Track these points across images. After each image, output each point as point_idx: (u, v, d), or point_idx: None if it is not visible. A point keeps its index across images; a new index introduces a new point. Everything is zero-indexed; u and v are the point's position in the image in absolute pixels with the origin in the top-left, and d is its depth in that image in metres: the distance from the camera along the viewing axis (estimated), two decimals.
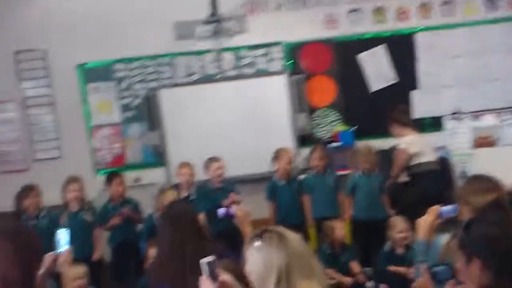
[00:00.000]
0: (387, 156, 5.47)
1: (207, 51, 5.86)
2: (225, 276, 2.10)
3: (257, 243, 1.95)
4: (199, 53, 5.92)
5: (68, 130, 5.95)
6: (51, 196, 4.90)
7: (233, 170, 5.31)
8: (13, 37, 5.82)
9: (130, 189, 5.42)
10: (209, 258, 2.07)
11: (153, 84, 5.91)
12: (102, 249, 5.00)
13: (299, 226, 4.83)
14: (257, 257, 1.93)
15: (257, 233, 1.99)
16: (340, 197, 5.16)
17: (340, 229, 4.73)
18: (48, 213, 4.88)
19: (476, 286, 1.86)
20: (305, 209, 5.12)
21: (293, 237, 1.97)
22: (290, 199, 5.10)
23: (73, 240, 4.55)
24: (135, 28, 5.79)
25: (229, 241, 3.21)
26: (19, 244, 2.76)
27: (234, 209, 3.04)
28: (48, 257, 3.04)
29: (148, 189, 5.44)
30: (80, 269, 4.25)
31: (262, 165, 5.31)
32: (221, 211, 3.10)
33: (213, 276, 2.05)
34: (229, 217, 3.05)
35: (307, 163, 5.32)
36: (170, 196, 4.73)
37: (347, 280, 4.57)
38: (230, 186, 5.07)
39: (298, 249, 1.93)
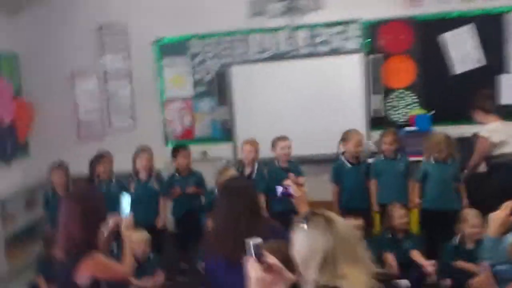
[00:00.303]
0: (466, 144, 5.12)
1: (281, 29, 5.78)
2: (272, 259, 2.07)
3: (304, 225, 1.94)
4: (273, 30, 5.84)
5: (143, 103, 6.16)
6: (124, 164, 5.05)
7: (300, 149, 5.20)
8: (96, 12, 6.09)
9: (197, 162, 5.51)
10: (256, 240, 2.05)
11: (226, 60, 5.92)
12: (166, 218, 5.09)
13: (363, 211, 4.70)
14: (302, 240, 1.94)
15: (305, 215, 1.98)
16: (409, 184, 4.87)
17: (402, 215, 4.51)
18: (119, 180, 5.06)
19: None
20: (371, 194, 4.90)
21: (340, 222, 1.94)
22: (356, 183, 4.90)
23: (139, 207, 4.79)
24: (211, 4, 5.84)
25: (287, 221, 3.15)
26: (88, 208, 2.96)
27: (292, 189, 2.98)
28: (112, 221, 3.20)
29: (214, 163, 5.50)
30: (143, 235, 4.45)
31: (330, 146, 5.15)
32: (279, 189, 3.04)
33: (259, 258, 2.03)
34: (286, 196, 2.99)
35: (377, 146, 5.06)
36: (231, 172, 4.76)
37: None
38: (295, 166, 4.96)
39: (345, 234, 1.90)
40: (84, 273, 2.87)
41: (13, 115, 5.91)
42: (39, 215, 5.48)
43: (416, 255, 4.46)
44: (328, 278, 1.84)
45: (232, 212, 2.91)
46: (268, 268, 2.05)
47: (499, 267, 2.29)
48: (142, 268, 4.38)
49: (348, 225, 1.96)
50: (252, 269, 2.01)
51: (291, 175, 4.25)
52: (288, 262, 1.99)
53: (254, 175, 4.93)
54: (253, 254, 2.03)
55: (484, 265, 2.24)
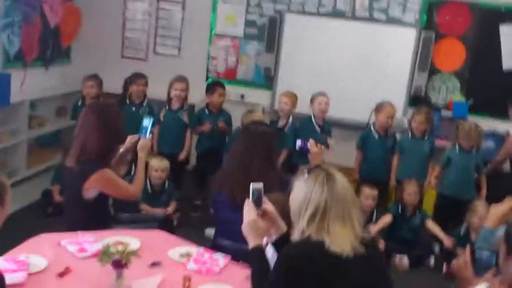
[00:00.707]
0: (497, 139, 5.21)
1: None
2: (269, 206, 2.20)
3: (305, 175, 2.00)
4: None
5: (191, 33, 6.16)
6: (161, 91, 5.11)
7: (335, 111, 5.27)
8: None
9: (233, 104, 5.61)
10: (258, 184, 2.18)
11: (281, 7, 5.87)
12: (189, 152, 5.17)
13: (381, 183, 4.81)
14: (299, 188, 2.00)
15: (310, 167, 2.05)
16: (430, 166, 4.97)
17: (414, 192, 4.60)
18: (150, 104, 5.09)
19: (510, 281, 1.83)
20: (392, 168, 4.98)
21: (341, 180, 1.99)
22: (380, 154, 4.97)
23: (165, 136, 4.91)
24: None
25: None
26: (103, 120, 3.02)
27: (310, 144, 3.12)
28: (130, 139, 3.30)
29: (249, 107, 5.56)
30: (163, 162, 4.55)
31: (364, 114, 5.24)
32: (298, 142, 3.19)
33: (257, 203, 2.15)
34: (303, 150, 3.13)
35: (408, 122, 5.11)
36: (258, 115, 4.80)
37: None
38: (328, 126, 5.04)
39: (342, 193, 1.96)
40: (90, 186, 2.95)
41: (60, 19, 5.87)
42: (68, 124, 5.49)
43: (432, 225, 4.60)
44: (314, 231, 1.92)
45: (246, 155, 2.99)
46: (263, 213, 2.20)
47: (481, 253, 2.39)
48: (156, 195, 4.53)
49: (348, 186, 2.02)
50: (247, 212, 2.17)
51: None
52: (288, 216, 2.09)
53: (286, 129, 5.00)
54: (252, 197, 2.17)
55: (467, 248, 2.36)
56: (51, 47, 5.82)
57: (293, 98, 5.07)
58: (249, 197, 2.19)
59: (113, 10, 6.25)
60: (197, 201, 5.08)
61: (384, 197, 4.82)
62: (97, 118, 3.02)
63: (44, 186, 4.90)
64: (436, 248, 4.65)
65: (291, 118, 5.03)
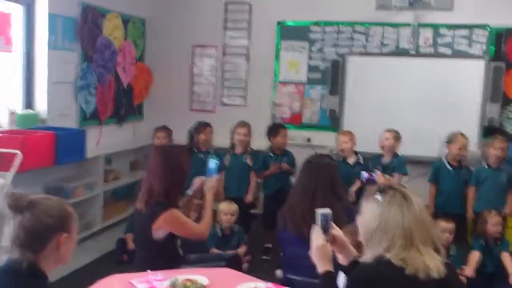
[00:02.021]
0: None
1: (405, 24, 5.70)
2: (337, 231, 2.13)
3: (378, 197, 1.91)
4: (396, 25, 5.77)
5: (256, 82, 6.31)
6: (228, 141, 5.17)
7: (406, 149, 5.13)
8: None
9: (300, 148, 5.60)
10: (325, 210, 2.12)
11: (344, 50, 5.92)
12: (255, 194, 5.17)
13: (458, 216, 4.59)
14: (374, 211, 1.90)
15: (382, 188, 1.96)
16: (509, 196, 4.70)
17: (497, 222, 4.35)
18: (216, 151, 5.17)
19: None
20: (468, 200, 4.76)
21: (418, 201, 1.91)
22: (454, 186, 4.79)
23: (231, 180, 4.94)
24: None
25: None
26: (169, 162, 3.11)
27: (376, 176, 3.03)
28: (197, 181, 3.36)
29: (317, 150, 5.53)
30: (232, 206, 4.58)
31: (437, 149, 5.08)
32: (364, 175, 3.12)
33: (325, 228, 2.09)
34: (370, 182, 3.05)
35: (482, 154, 4.90)
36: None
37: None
38: (399, 161, 4.85)
39: (420, 214, 1.87)
40: (159, 226, 3.00)
41: (132, 78, 6.23)
42: (142, 176, 5.62)
43: (506, 258, 4.32)
44: (397, 255, 1.81)
45: (309, 187, 2.96)
46: (332, 239, 2.12)
47: None
48: (226, 239, 4.54)
49: (425, 208, 1.93)
50: (316, 237, 2.10)
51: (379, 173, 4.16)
52: (359, 246, 2.01)
53: (360, 161, 4.88)
54: (320, 224, 2.10)
55: None
56: (124, 105, 6.13)
57: (350, 135, 4.99)
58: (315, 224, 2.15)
59: (182, 68, 6.53)
60: (267, 244, 5.02)
61: (460, 231, 4.57)
62: (162, 160, 3.11)
63: (119, 236, 5.04)
64: None
65: (359, 155, 4.95)
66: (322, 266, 2.06)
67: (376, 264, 1.84)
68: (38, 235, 1.78)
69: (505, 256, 4.34)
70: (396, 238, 1.83)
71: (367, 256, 1.91)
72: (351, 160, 4.93)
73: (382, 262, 1.82)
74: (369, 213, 1.92)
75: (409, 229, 1.83)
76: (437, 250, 1.88)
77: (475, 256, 4.33)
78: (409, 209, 1.85)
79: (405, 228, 1.83)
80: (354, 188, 4.59)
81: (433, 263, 1.80)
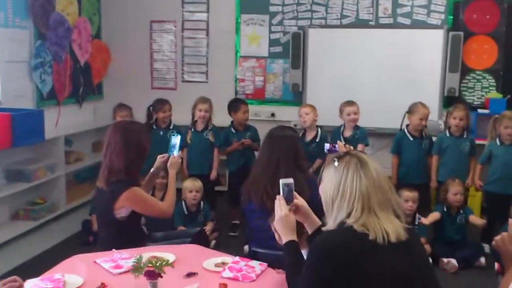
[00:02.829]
0: None
1: None
2: (300, 200, 2.12)
3: (335, 163, 1.90)
4: None
5: (217, 57, 6.23)
6: (190, 118, 5.08)
7: (368, 121, 5.18)
8: None
9: (264, 123, 5.55)
10: (287, 180, 2.10)
11: (304, 23, 5.88)
12: (218, 171, 5.12)
13: (421, 186, 4.66)
14: (331, 177, 1.89)
15: (339, 155, 1.95)
16: (472, 165, 4.77)
17: (458, 191, 4.43)
18: (177, 127, 5.11)
19: None
20: (432, 170, 4.81)
21: (375, 166, 1.89)
22: (416, 157, 4.82)
23: (194, 158, 4.89)
24: None
25: None
26: (129, 140, 3.02)
27: (338, 146, 3.05)
28: (159, 158, 3.30)
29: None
30: (197, 183, 4.54)
31: (398, 121, 5.11)
32: (326, 146, 3.13)
33: (288, 198, 2.08)
34: (332, 153, 3.05)
35: (444, 122, 4.95)
36: None
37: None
38: (361, 132, 4.88)
39: (377, 179, 1.85)
40: (121, 205, 2.95)
41: (89, 56, 6.05)
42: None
43: (474, 218, 4.46)
44: (354, 219, 1.80)
45: (272, 160, 2.93)
46: (296, 209, 2.12)
47: None
48: (192, 217, 4.52)
49: (383, 172, 1.90)
50: (279, 207, 2.09)
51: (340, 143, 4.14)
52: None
53: (317, 140, 4.83)
54: (283, 193, 2.10)
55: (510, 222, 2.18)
56: (82, 84, 5.97)
57: (312, 108, 4.94)
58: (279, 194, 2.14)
59: (140, 45, 6.40)
60: (234, 221, 5.01)
61: (424, 200, 4.65)
62: (121, 136, 3.02)
63: (83, 218, 4.95)
64: (487, 248, 4.43)
65: (319, 130, 4.90)
66: (285, 236, 2.06)
67: (338, 231, 1.83)
68: None
69: (473, 218, 4.46)
70: (354, 203, 1.81)
71: (329, 224, 1.89)
72: (309, 136, 4.88)
73: (344, 229, 1.81)
74: (327, 180, 1.91)
75: (367, 194, 1.81)
76: (397, 216, 1.86)
77: (435, 215, 4.45)
78: (365, 173, 1.84)
79: (363, 192, 1.81)
80: (314, 166, 4.53)
81: (391, 228, 1.79)
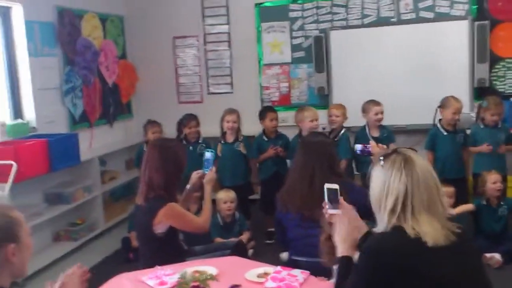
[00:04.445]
0: None
1: None
2: (347, 206, 2.07)
3: (381, 162, 1.84)
4: None
5: (241, 67, 6.26)
6: (218, 129, 5.09)
7: (397, 119, 5.13)
8: None
9: (292, 129, 5.53)
10: (333, 185, 2.07)
11: (325, 26, 5.88)
12: (253, 180, 5.14)
13: (458, 181, 4.58)
14: (377, 178, 1.83)
15: (387, 153, 1.88)
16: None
17: (496, 181, 4.33)
18: (206, 141, 5.15)
19: None
20: (466, 163, 4.73)
21: (421, 163, 1.81)
22: (451, 151, 4.73)
23: (226, 170, 4.91)
24: None
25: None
26: (166, 155, 3.10)
27: (371, 147, 3.00)
28: (194, 175, 3.35)
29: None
30: (231, 194, 4.57)
31: (430, 116, 5.03)
32: (358, 147, 3.09)
33: (334, 203, 2.04)
34: (365, 154, 3.02)
35: (477, 114, 4.86)
36: (308, 111, 4.84)
37: None
38: (388, 132, 4.81)
39: (422, 177, 1.78)
40: (159, 221, 2.99)
41: (117, 77, 6.18)
42: (138, 174, 5.65)
43: None
44: (398, 222, 1.74)
45: (307, 168, 2.92)
46: (342, 207, 2.05)
47: None
48: (228, 228, 4.54)
49: (430, 169, 1.82)
50: (340, 220, 2.01)
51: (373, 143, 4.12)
52: None
53: (338, 140, 4.76)
54: (328, 199, 2.06)
55: None
56: (112, 104, 6.09)
57: (343, 109, 4.92)
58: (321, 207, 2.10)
59: (165, 60, 6.49)
60: (270, 229, 5.01)
61: (462, 194, 4.56)
62: (159, 153, 3.10)
63: (122, 235, 5.02)
64: None
65: (343, 130, 4.86)
66: (344, 251, 1.98)
67: (388, 233, 1.78)
68: None
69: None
70: (396, 204, 1.76)
71: (379, 227, 1.84)
72: (333, 135, 4.81)
73: (394, 231, 1.76)
74: (373, 180, 1.86)
75: (411, 193, 1.75)
76: (444, 215, 1.80)
77: (466, 205, 4.37)
78: (410, 172, 1.77)
79: (405, 192, 1.75)
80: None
81: (429, 231, 1.72)
